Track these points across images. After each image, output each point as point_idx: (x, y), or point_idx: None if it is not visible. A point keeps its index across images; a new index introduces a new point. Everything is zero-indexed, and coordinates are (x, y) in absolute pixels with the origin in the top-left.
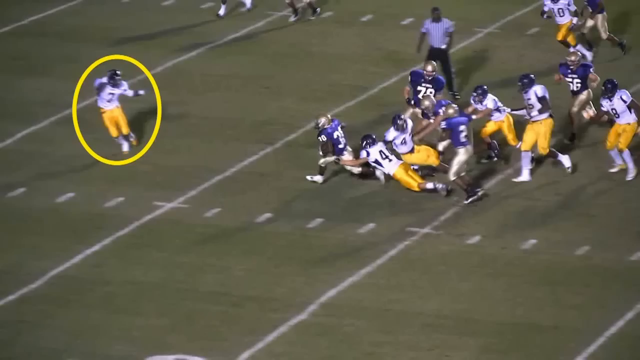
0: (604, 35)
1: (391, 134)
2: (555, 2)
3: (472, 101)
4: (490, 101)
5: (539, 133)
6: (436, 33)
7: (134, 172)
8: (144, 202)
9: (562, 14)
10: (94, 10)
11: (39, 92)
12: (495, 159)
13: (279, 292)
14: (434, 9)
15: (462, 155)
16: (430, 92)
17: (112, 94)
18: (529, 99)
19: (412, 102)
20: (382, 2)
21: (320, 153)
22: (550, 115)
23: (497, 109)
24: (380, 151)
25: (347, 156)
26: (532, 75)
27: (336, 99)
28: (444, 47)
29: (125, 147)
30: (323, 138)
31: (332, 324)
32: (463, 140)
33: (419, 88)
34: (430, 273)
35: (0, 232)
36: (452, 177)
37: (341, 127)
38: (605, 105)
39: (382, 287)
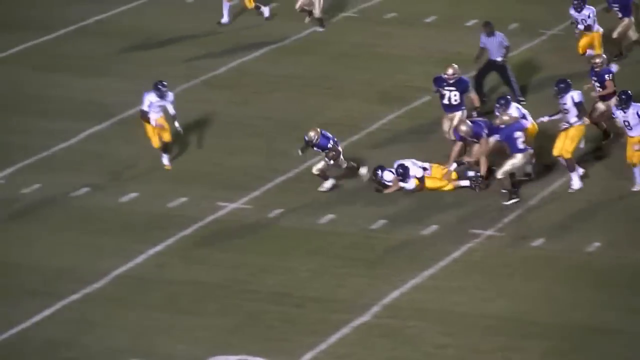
0: (634, 36)
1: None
2: (579, 12)
3: (496, 112)
4: (514, 110)
5: (567, 136)
6: (491, 46)
7: (197, 173)
8: (207, 202)
9: (586, 25)
10: (156, 11)
11: (102, 91)
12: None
13: (341, 293)
14: (486, 23)
15: (519, 159)
16: (455, 95)
17: (159, 105)
18: (565, 104)
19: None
20: (446, 3)
21: (331, 162)
22: (584, 122)
23: (523, 117)
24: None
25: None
26: (569, 80)
27: (400, 101)
28: (499, 59)
29: (166, 161)
30: (328, 145)
31: (394, 326)
32: (521, 146)
33: (443, 92)
34: (493, 275)
35: (64, 232)
36: (500, 176)
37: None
38: (619, 116)
39: (445, 289)
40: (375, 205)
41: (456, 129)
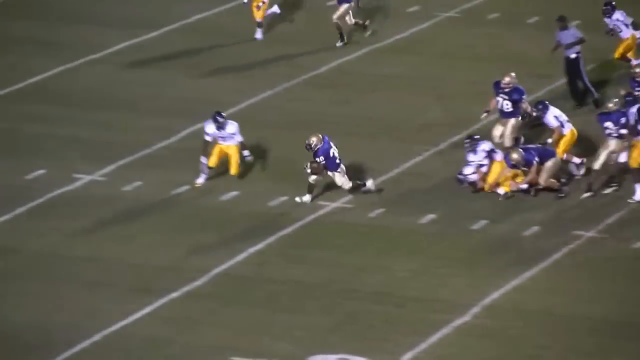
0: None
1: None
2: (609, 18)
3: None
4: (551, 117)
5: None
6: (565, 42)
7: (299, 172)
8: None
9: (620, 29)
10: None
11: (203, 90)
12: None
13: (442, 293)
14: (559, 18)
15: (612, 145)
16: (507, 104)
17: (221, 136)
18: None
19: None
20: (550, 4)
21: (309, 171)
22: None
23: (562, 124)
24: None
25: (340, 177)
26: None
27: None
28: (573, 56)
29: (201, 179)
30: (321, 159)
31: (494, 327)
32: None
33: (497, 99)
34: (594, 277)
35: (165, 229)
36: (596, 167)
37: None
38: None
39: (545, 290)
40: (475, 205)
41: (508, 157)
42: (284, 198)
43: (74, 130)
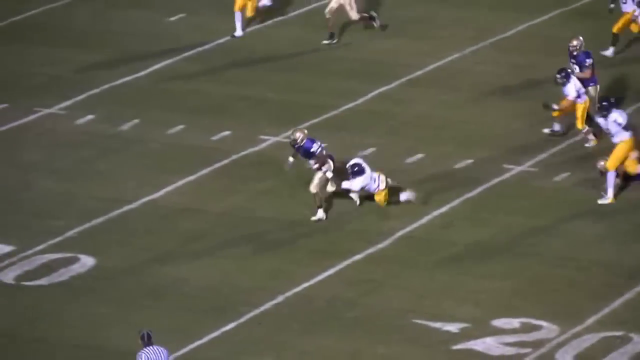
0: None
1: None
2: None
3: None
4: (572, 87)
5: None
6: None
7: (485, 135)
8: (493, 164)
9: (625, 1)
10: None
11: (390, 52)
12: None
13: (626, 259)
14: None
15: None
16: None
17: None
18: None
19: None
20: None
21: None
22: None
23: (578, 95)
24: None
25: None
26: None
27: None
28: None
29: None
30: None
31: None
32: None
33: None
34: None
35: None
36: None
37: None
38: (602, 123)
39: None
40: None
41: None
42: (469, 161)
43: (260, 91)
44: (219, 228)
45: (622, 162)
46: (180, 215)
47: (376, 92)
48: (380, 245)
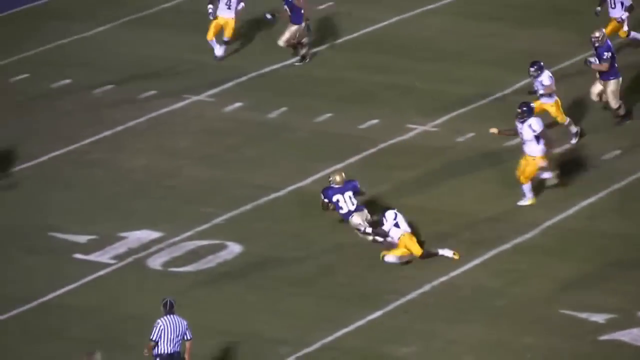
0: None
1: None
2: None
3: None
4: (546, 77)
5: None
6: None
7: (630, 128)
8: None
9: (613, 6)
10: None
11: (538, 41)
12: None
13: None
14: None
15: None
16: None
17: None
18: None
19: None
20: None
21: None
22: None
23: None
24: None
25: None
26: None
27: None
28: None
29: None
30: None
31: None
32: None
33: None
34: None
35: (496, 181)
36: None
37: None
38: (518, 127)
39: None
40: None
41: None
42: (617, 152)
43: (408, 80)
44: None
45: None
46: None
47: (523, 82)
48: (527, 235)
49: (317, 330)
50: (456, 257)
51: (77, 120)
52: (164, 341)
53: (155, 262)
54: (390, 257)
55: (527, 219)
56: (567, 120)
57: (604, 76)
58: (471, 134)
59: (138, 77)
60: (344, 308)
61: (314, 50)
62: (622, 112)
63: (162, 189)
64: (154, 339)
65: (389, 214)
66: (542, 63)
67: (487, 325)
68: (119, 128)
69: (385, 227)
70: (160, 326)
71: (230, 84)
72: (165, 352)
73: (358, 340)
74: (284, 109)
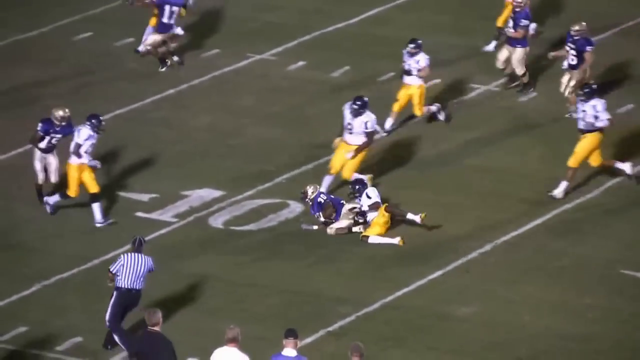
0: None
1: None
2: None
3: (405, 57)
4: (423, 58)
5: None
6: None
7: None
8: None
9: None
10: None
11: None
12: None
13: None
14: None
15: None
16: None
17: None
18: None
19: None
20: None
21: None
22: None
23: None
24: None
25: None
26: None
27: None
28: None
29: None
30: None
31: None
32: None
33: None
34: None
35: (558, 141)
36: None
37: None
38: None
39: None
40: None
41: None
42: None
43: (472, 41)
44: (422, 177)
45: None
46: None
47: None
48: (589, 195)
49: (378, 290)
50: (422, 216)
51: (141, 79)
52: (122, 276)
53: (217, 221)
54: (374, 238)
55: (590, 179)
56: (424, 112)
57: (514, 42)
58: (534, 94)
59: (202, 36)
60: (405, 267)
61: (379, 9)
62: (526, 79)
63: (224, 147)
64: (112, 270)
65: (371, 191)
66: (420, 41)
67: (548, 285)
68: (183, 86)
69: (371, 202)
70: (121, 261)
71: (293, 42)
72: (124, 286)
73: (419, 300)
74: (346, 67)
